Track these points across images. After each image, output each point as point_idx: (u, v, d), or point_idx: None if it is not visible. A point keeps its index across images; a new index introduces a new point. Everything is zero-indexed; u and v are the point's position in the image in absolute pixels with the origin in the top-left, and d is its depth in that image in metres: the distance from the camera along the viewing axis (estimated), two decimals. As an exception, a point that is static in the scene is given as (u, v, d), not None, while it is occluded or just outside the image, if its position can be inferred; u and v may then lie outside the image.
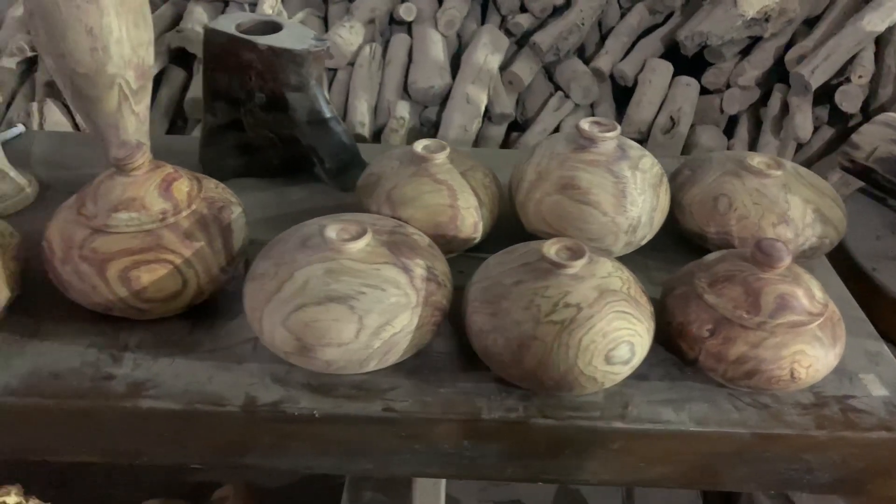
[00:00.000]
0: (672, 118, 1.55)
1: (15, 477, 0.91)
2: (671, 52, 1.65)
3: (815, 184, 0.66)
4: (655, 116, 1.57)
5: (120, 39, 0.62)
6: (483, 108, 1.59)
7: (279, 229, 0.64)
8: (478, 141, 1.62)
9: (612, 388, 0.54)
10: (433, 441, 0.55)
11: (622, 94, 1.67)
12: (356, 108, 1.58)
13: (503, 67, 1.67)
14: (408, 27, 1.75)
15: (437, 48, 1.66)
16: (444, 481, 0.93)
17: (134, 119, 0.68)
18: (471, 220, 0.64)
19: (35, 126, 1.44)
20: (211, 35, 0.70)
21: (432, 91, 1.60)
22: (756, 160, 0.66)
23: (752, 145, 1.56)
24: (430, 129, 1.68)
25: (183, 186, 0.58)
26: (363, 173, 0.68)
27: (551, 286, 0.51)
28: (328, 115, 0.72)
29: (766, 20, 1.50)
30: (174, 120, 1.60)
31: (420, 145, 0.65)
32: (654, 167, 0.64)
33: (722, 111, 1.59)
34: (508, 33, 1.71)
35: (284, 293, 0.52)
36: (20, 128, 0.85)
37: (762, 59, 1.53)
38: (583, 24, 1.62)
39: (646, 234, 0.63)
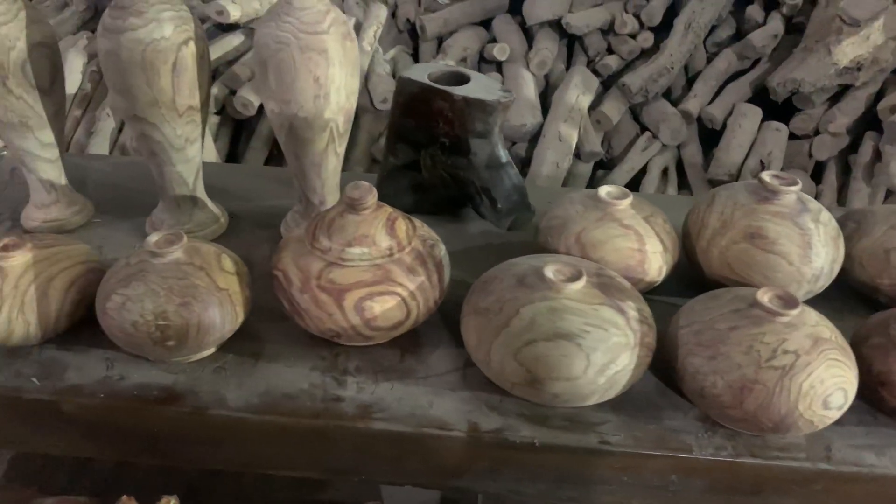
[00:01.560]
0: (762, 162, 1.58)
1: (144, 485, 0.96)
2: (757, 96, 1.70)
3: (981, 240, 0.69)
4: (744, 159, 1.61)
5: (339, 88, 0.68)
6: (574, 146, 1.65)
7: (456, 263, 0.69)
8: (567, 178, 1.67)
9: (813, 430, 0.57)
10: (642, 474, 0.58)
11: (707, 136, 1.71)
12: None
13: (591, 107, 1.73)
14: (497, 65, 1.82)
15: (528, 87, 1.72)
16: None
17: (335, 159, 0.73)
18: (657, 265, 0.68)
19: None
20: (404, 84, 0.76)
21: (524, 129, 1.66)
22: (924, 216, 0.69)
23: (841, 191, 1.58)
24: (517, 163, 1.73)
25: (402, 225, 0.63)
26: (546, 216, 0.72)
27: (768, 333, 0.55)
28: (504, 159, 0.78)
29: (859, 69, 1.54)
30: (272, 151, 1.67)
31: (604, 191, 0.69)
32: (832, 220, 0.67)
33: (810, 156, 1.62)
34: (596, 74, 1.77)
35: (513, 328, 0.56)
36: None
37: (853, 107, 1.57)
38: (672, 68, 1.67)
39: (825, 283, 0.67)
